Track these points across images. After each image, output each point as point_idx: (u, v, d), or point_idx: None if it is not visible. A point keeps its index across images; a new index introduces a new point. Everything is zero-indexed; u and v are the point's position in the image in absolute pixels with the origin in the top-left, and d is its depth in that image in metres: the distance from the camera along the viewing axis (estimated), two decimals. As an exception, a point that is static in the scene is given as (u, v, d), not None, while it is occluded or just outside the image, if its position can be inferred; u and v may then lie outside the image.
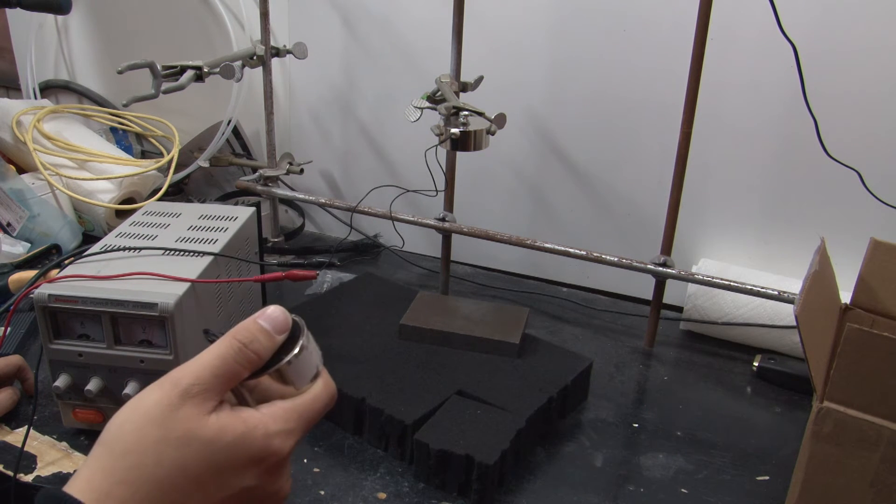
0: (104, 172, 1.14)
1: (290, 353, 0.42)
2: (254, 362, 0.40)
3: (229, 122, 1.20)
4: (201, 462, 0.37)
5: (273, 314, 0.42)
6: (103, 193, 1.12)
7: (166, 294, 0.65)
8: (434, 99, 0.88)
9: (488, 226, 0.99)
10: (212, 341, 0.41)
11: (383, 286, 0.96)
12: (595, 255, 0.92)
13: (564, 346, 0.88)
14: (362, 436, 0.73)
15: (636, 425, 0.78)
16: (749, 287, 0.84)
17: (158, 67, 0.93)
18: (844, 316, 0.69)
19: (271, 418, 0.40)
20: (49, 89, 1.44)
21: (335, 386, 0.44)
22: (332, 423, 0.75)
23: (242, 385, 0.41)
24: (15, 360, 0.76)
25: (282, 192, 1.15)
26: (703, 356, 0.93)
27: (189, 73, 0.95)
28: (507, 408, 0.71)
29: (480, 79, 0.94)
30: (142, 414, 0.37)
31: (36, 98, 1.39)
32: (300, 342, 0.42)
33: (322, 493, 0.66)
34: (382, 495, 0.66)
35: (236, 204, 1.20)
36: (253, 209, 0.89)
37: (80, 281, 0.67)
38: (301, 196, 1.15)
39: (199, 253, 0.75)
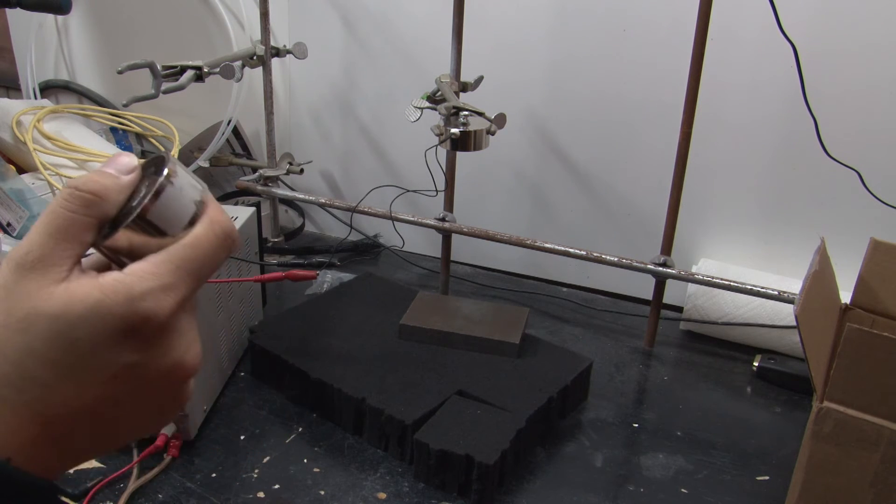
0: (104, 172, 1.14)
1: (149, 192, 0.33)
2: (93, 204, 0.32)
3: (229, 122, 1.20)
4: (53, 342, 0.30)
5: (115, 158, 0.34)
6: (103, 193, 1.12)
7: (166, 294, 0.65)
8: (434, 99, 0.88)
9: (488, 226, 0.99)
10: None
11: (383, 286, 0.96)
12: (595, 255, 0.92)
13: (564, 346, 0.88)
14: (362, 436, 0.73)
15: (636, 425, 0.78)
16: (749, 287, 0.84)
17: (158, 67, 0.93)
18: (844, 316, 0.69)
19: (136, 276, 0.31)
20: (49, 89, 1.44)
21: (228, 222, 0.35)
22: (332, 423, 0.75)
23: (108, 247, 0.33)
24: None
25: (282, 192, 1.15)
26: (703, 356, 0.93)
27: (189, 73, 0.95)
28: (507, 408, 0.71)
29: (480, 79, 0.94)
30: None
31: (36, 98, 1.39)
32: (162, 175, 0.33)
33: (322, 493, 0.66)
34: (382, 495, 0.66)
35: (236, 204, 1.20)
36: (253, 209, 0.89)
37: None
38: (301, 196, 1.15)
39: (199, 253, 0.75)
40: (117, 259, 0.34)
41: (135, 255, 0.33)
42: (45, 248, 0.31)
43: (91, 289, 0.31)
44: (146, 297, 0.31)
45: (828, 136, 0.82)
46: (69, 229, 0.31)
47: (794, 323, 0.69)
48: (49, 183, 1.10)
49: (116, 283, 0.31)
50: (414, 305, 0.87)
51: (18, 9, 1.04)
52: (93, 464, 0.68)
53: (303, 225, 1.27)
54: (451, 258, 1.05)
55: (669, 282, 0.91)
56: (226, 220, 0.35)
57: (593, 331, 0.98)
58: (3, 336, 0.30)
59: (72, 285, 0.31)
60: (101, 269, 0.34)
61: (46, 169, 1.09)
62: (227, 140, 1.24)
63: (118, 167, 0.33)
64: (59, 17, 1.41)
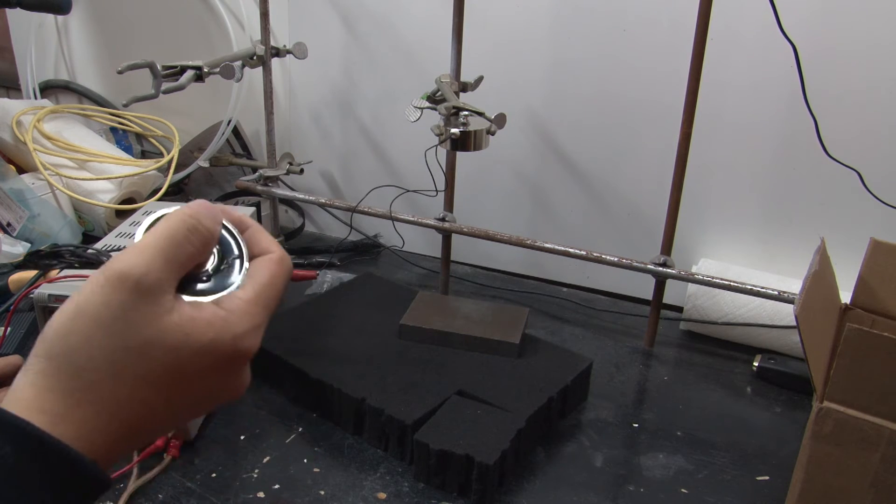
0: (104, 172, 1.14)
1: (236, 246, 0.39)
2: (207, 240, 0.35)
3: (229, 122, 1.20)
4: (165, 371, 0.33)
5: (200, 210, 0.36)
6: (103, 193, 1.12)
7: (166, 294, 0.65)
8: (434, 99, 0.88)
9: (488, 226, 0.99)
10: None
11: (383, 286, 0.96)
12: (595, 255, 0.92)
13: (564, 346, 0.88)
14: (362, 436, 0.73)
15: (636, 425, 0.78)
16: (749, 287, 0.84)
17: (158, 67, 0.93)
18: (844, 316, 0.69)
19: (236, 315, 0.35)
20: (49, 89, 1.44)
21: (287, 254, 0.39)
22: (332, 423, 0.75)
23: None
24: (15, 360, 0.75)
25: (282, 192, 1.15)
26: (703, 356, 0.93)
27: (189, 73, 0.95)
28: (507, 408, 0.71)
29: (480, 79, 0.94)
30: (90, 321, 0.32)
31: (36, 98, 1.39)
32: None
33: (322, 493, 0.66)
34: (382, 495, 0.66)
35: (236, 204, 1.20)
36: (253, 209, 0.89)
37: (80, 281, 0.67)
38: (301, 196, 1.15)
39: (199, 253, 0.75)
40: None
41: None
42: (162, 275, 0.33)
43: (203, 327, 0.33)
44: (247, 336, 0.35)
45: (828, 136, 0.82)
46: (187, 263, 0.34)
47: (794, 323, 0.69)
48: (49, 183, 1.10)
49: (225, 323, 0.34)
50: (414, 305, 0.87)
51: (18, 9, 1.04)
52: (93, 464, 0.68)
53: (303, 225, 1.27)
54: (451, 258, 1.05)
55: (669, 282, 0.91)
56: (284, 253, 0.39)
57: (593, 331, 0.98)
58: (122, 359, 0.32)
59: (184, 317, 0.33)
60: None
61: (46, 169, 1.10)
62: (227, 140, 1.24)
63: (214, 216, 0.36)
64: (59, 17, 1.41)
